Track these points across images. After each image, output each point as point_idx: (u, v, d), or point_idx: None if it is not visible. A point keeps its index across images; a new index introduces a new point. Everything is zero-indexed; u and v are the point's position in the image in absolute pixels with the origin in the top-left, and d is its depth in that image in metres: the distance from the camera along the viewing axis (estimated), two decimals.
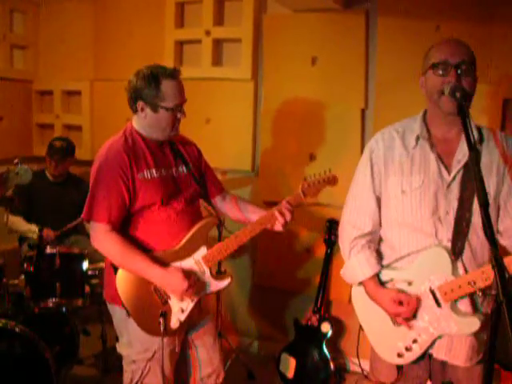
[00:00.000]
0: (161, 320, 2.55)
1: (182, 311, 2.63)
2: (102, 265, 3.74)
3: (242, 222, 2.87)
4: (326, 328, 3.88)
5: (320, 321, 3.90)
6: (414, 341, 2.19)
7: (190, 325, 2.77)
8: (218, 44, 4.36)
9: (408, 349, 2.21)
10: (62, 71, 4.97)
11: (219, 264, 3.75)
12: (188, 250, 2.64)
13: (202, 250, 2.65)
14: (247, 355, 4.32)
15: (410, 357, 2.22)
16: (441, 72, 2.03)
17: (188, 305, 2.63)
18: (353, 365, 4.11)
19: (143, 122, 2.60)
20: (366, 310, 2.30)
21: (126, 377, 2.76)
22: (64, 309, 3.71)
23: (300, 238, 4.23)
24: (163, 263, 2.57)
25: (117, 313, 2.71)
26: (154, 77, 2.50)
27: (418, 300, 2.15)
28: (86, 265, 3.74)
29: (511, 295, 1.45)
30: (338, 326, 4.07)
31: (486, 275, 1.98)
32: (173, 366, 2.76)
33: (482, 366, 2.21)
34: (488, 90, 3.44)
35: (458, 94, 1.93)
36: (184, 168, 2.73)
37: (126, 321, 2.65)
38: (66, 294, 3.64)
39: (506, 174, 2.11)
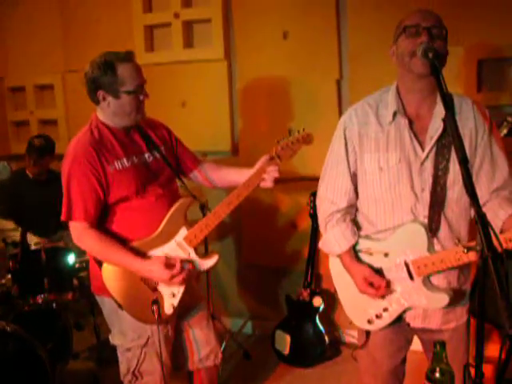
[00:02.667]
0: (154, 308, 2.54)
1: (174, 295, 2.61)
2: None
3: (229, 186, 2.86)
4: (318, 302, 3.90)
5: (311, 295, 3.92)
6: (385, 309, 2.22)
7: (183, 309, 2.75)
8: (188, 26, 4.30)
9: (378, 316, 2.24)
10: (33, 66, 4.88)
11: (206, 246, 3.72)
12: (168, 234, 2.62)
13: (183, 232, 2.62)
14: (242, 336, 4.33)
15: (379, 324, 2.26)
16: (413, 34, 2.01)
17: (178, 289, 2.61)
18: (348, 336, 4.13)
19: (107, 112, 2.55)
20: (342, 277, 2.32)
21: (123, 367, 2.75)
22: (54, 304, 3.68)
23: (285, 213, 4.23)
24: (144, 253, 2.57)
25: (106, 304, 2.70)
26: (108, 63, 2.46)
27: (389, 285, 2.17)
28: (72, 258, 3.71)
29: (496, 250, 1.45)
30: (330, 299, 4.08)
31: (458, 255, 2.00)
32: (169, 352, 2.75)
33: (464, 330, 2.24)
34: (463, 52, 3.44)
35: (430, 54, 1.91)
36: (155, 152, 2.69)
37: (116, 310, 2.64)
38: (55, 288, 3.61)
39: (478, 146, 2.11)
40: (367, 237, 2.26)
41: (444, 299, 2.10)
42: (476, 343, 1.57)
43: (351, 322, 2.38)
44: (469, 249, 1.79)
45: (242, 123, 4.21)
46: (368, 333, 2.33)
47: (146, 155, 2.66)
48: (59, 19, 4.72)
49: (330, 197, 2.28)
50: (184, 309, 2.77)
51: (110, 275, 2.59)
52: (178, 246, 2.62)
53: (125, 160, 2.55)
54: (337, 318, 4.18)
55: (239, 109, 4.22)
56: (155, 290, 2.61)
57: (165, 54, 4.29)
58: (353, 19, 3.78)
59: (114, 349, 2.79)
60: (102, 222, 2.59)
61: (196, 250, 2.64)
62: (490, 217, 1.99)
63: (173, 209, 2.64)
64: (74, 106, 4.75)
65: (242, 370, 3.97)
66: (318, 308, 3.88)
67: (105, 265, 2.58)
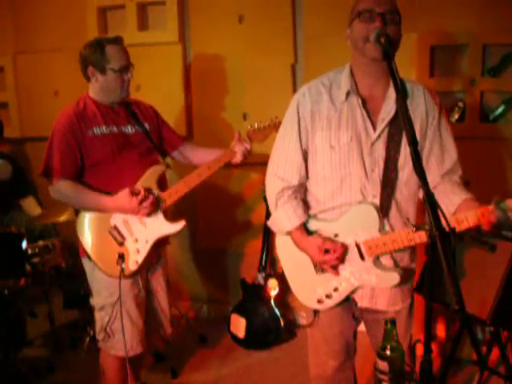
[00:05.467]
0: (119, 261, 2.74)
1: (138, 251, 2.81)
2: (42, 243, 3.71)
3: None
4: (273, 285, 3.93)
5: (266, 279, 3.94)
6: (335, 289, 2.25)
7: (147, 267, 2.98)
8: (142, 8, 4.26)
9: (328, 296, 2.27)
10: None
11: None
12: None
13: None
14: (198, 320, 4.34)
15: (329, 303, 2.28)
16: (366, 19, 2.02)
17: (144, 245, 2.81)
18: (303, 319, 4.17)
19: (96, 87, 2.84)
20: (290, 257, 2.34)
21: (97, 325, 2.94)
22: (6, 291, 3.62)
23: (240, 197, 4.24)
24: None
25: (86, 265, 2.91)
26: (98, 43, 2.76)
27: (345, 247, 2.19)
28: (24, 243, 3.64)
29: (444, 229, 1.48)
30: (285, 282, 4.09)
31: (410, 236, 2.03)
32: (141, 312, 2.93)
33: (408, 311, 2.31)
34: (417, 38, 3.48)
35: (382, 40, 1.93)
36: (137, 127, 2.91)
37: (93, 271, 2.86)
38: (6, 274, 3.54)
39: (427, 130, 2.15)
40: (315, 217, 2.27)
41: (394, 278, 2.13)
42: (425, 320, 1.60)
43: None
44: (418, 228, 1.83)
45: (197, 107, 4.18)
46: (316, 312, 2.34)
47: (129, 127, 2.90)
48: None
49: (281, 174, 2.27)
50: (150, 267, 3.01)
51: (82, 225, 2.82)
52: None
53: (104, 128, 2.81)
54: (292, 301, 4.22)
55: (194, 93, 4.19)
56: (122, 244, 2.81)
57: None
58: (308, 4, 3.80)
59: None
60: (80, 182, 2.82)
61: (165, 214, 2.86)
62: (442, 202, 2.05)
63: (146, 173, 2.85)
64: (25, 88, 4.65)
65: (197, 353, 3.97)
66: (274, 291, 3.91)
67: (78, 218, 2.82)
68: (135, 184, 2.81)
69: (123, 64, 2.78)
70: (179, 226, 2.89)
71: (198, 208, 4.34)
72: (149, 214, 2.80)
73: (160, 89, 4.17)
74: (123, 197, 2.73)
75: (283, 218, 2.26)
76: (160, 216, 2.85)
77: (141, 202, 2.73)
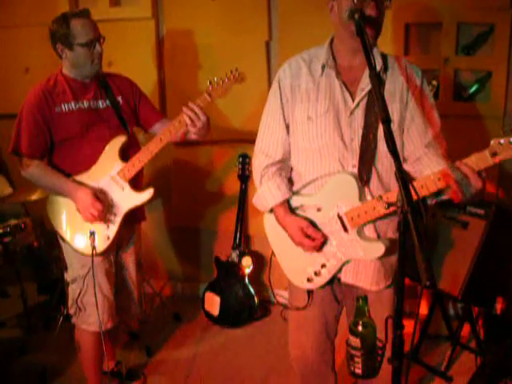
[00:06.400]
0: (90, 239, 2.75)
1: (108, 227, 2.81)
2: (13, 222, 3.67)
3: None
4: (247, 262, 3.94)
5: (240, 256, 3.95)
6: (323, 265, 2.24)
7: (119, 244, 2.99)
8: None
9: (317, 273, 2.26)
10: None
11: None
12: (103, 169, 2.82)
13: (117, 167, 2.82)
14: (172, 298, 4.33)
15: (319, 281, 2.27)
16: None
17: (114, 219, 2.81)
18: (277, 296, 4.18)
19: (66, 64, 2.79)
20: (278, 236, 2.32)
21: (69, 299, 2.95)
22: None
23: (214, 175, 4.22)
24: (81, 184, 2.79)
25: (61, 243, 2.92)
26: (63, 18, 2.69)
27: (325, 236, 2.19)
28: None
29: (414, 205, 1.48)
30: (260, 260, 4.13)
31: (388, 201, 2.01)
32: (111, 286, 2.94)
33: (391, 291, 2.30)
34: (391, 15, 3.47)
35: (356, 16, 1.93)
36: (108, 101, 2.87)
37: (66, 246, 2.88)
38: None
39: (408, 102, 2.14)
40: (298, 193, 2.27)
41: (380, 248, 2.11)
42: (396, 295, 1.61)
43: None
44: (389, 204, 1.83)
45: (170, 83, 4.14)
46: (309, 292, 2.33)
47: (100, 102, 2.86)
48: None
49: (265, 149, 2.28)
50: (120, 243, 2.99)
51: (53, 208, 2.86)
52: (113, 180, 2.82)
53: (72, 104, 2.77)
54: (266, 279, 4.23)
55: (166, 69, 4.14)
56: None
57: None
58: None
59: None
60: (49, 159, 2.85)
61: (131, 184, 2.83)
62: (428, 174, 2.04)
63: (108, 145, 2.82)
64: None
65: (172, 331, 3.97)
66: (248, 268, 3.92)
67: (48, 198, 2.87)
68: (98, 159, 2.80)
69: (90, 38, 2.71)
70: (147, 194, 2.85)
71: (172, 186, 4.31)
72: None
73: (132, 64, 4.09)
74: (86, 196, 2.71)
75: (267, 194, 2.26)
76: (127, 187, 2.82)
77: (97, 209, 2.71)
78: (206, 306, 4.03)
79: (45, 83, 2.78)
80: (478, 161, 1.86)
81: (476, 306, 3.17)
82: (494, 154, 1.83)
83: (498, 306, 3.19)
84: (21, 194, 3.83)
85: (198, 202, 4.28)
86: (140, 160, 2.79)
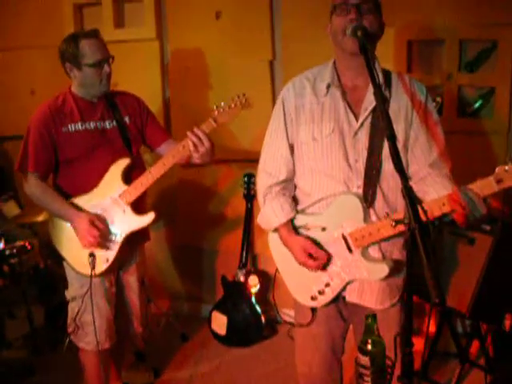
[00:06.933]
0: (90, 260, 2.75)
1: (108, 249, 2.79)
2: (20, 243, 3.68)
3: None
4: (254, 282, 3.93)
5: (247, 275, 3.94)
6: (327, 285, 2.24)
7: (121, 264, 2.99)
8: (118, 5, 4.21)
9: (321, 292, 2.26)
10: None
11: None
12: (105, 191, 2.81)
13: (119, 189, 2.80)
14: (179, 318, 4.31)
15: (323, 300, 2.27)
16: (342, 12, 2.02)
17: (115, 244, 2.80)
18: (284, 315, 4.16)
19: (75, 83, 2.82)
20: (282, 254, 2.31)
21: (69, 317, 2.95)
22: None
23: (219, 195, 4.22)
24: (80, 207, 2.80)
25: (63, 261, 2.92)
26: (73, 38, 2.72)
27: (329, 256, 2.19)
28: (1, 244, 3.61)
29: (422, 222, 1.48)
30: (266, 279, 4.12)
31: (394, 227, 2.01)
32: (111, 306, 2.95)
33: (398, 309, 2.28)
34: (393, 32, 3.48)
35: (359, 33, 1.94)
36: (115, 121, 2.88)
37: (67, 266, 2.89)
38: None
39: (413, 120, 2.14)
40: (303, 212, 2.27)
41: (384, 269, 2.10)
42: (404, 313, 1.61)
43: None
44: (397, 222, 1.83)
45: (175, 103, 4.16)
46: (314, 310, 2.33)
47: (107, 122, 2.87)
48: None
49: (269, 169, 2.29)
50: (122, 263, 3.00)
51: (54, 229, 2.88)
52: (114, 203, 2.81)
53: (79, 124, 2.79)
54: (272, 298, 4.21)
55: (172, 89, 4.17)
56: None
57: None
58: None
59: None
60: (54, 178, 2.88)
61: (133, 207, 2.81)
62: (430, 195, 2.04)
63: (111, 168, 2.81)
64: (1, 86, 4.56)
65: (179, 351, 3.95)
66: (254, 288, 3.91)
67: (50, 219, 2.91)
68: (100, 182, 2.80)
69: (98, 58, 2.72)
70: (148, 218, 2.83)
71: (178, 205, 4.32)
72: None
73: (138, 86, 4.08)
74: (83, 223, 2.72)
75: (270, 214, 2.27)
76: (128, 210, 2.80)
77: (93, 236, 2.71)
78: (213, 326, 4.01)
79: (53, 101, 2.80)
80: (483, 187, 1.87)
81: (484, 322, 3.15)
82: (499, 181, 1.83)
83: (507, 323, 3.16)
84: (28, 215, 3.85)
85: (203, 222, 4.28)
86: (142, 184, 2.78)
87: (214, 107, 2.71)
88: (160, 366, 3.70)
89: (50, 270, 3.98)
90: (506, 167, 1.80)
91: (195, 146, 2.64)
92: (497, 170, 1.83)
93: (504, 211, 3.46)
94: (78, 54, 2.69)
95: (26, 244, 3.77)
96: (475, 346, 3.31)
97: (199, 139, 2.64)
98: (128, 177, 2.84)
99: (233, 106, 2.69)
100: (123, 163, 2.82)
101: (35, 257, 3.82)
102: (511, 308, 2.92)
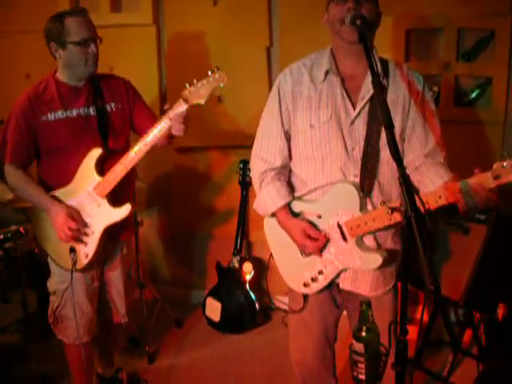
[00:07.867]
0: (71, 255, 2.70)
1: (87, 244, 2.72)
2: (14, 228, 3.66)
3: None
4: (248, 269, 3.93)
5: (241, 262, 3.94)
6: (320, 272, 2.25)
7: (105, 258, 2.92)
8: None
9: (314, 279, 2.27)
10: None
11: (135, 214, 3.63)
12: (81, 184, 2.72)
13: (93, 182, 2.70)
14: (173, 304, 4.31)
15: (315, 287, 2.28)
16: (340, 1, 2.01)
17: (92, 237, 2.71)
18: (278, 302, 4.18)
19: (60, 65, 2.69)
20: (277, 239, 2.33)
21: (49, 308, 2.91)
22: None
23: (215, 181, 4.22)
24: (60, 201, 2.72)
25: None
26: (58, 16, 2.60)
27: (327, 238, 2.19)
28: None
29: (419, 210, 1.48)
30: (261, 266, 4.12)
31: (390, 215, 2.01)
32: (93, 304, 2.89)
33: (391, 296, 2.31)
34: (392, 22, 3.48)
35: (358, 22, 1.93)
36: (100, 107, 2.74)
37: (50, 259, 2.85)
38: None
39: (410, 109, 2.14)
40: (300, 198, 2.27)
41: (377, 259, 2.11)
42: (400, 300, 1.61)
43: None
44: (393, 209, 1.83)
45: (171, 89, 4.13)
46: (305, 296, 2.34)
47: (91, 109, 2.74)
48: None
49: (264, 155, 2.28)
50: (106, 258, 2.93)
51: (36, 221, 2.85)
52: (89, 197, 2.71)
53: (60, 112, 2.67)
54: (267, 285, 4.21)
55: (168, 75, 4.15)
56: None
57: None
58: None
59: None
60: (38, 168, 2.80)
61: (109, 199, 2.70)
62: (424, 183, 2.05)
63: (84, 159, 2.70)
64: None
65: (173, 337, 3.96)
66: (249, 274, 3.91)
67: (32, 211, 2.84)
68: (76, 174, 2.70)
69: (84, 36, 2.58)
70: (124, 210, 2.70)
71: (173, 192, 4.31)
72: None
73: (134, 70, 4.06)
74: (59, 214, 2.64)
75: (266, 199, 2.27)
76: (103, 203, 2.69)
77: (69, 228, 2.64)
78: (207, 312, 4.02)
79: (34, 89, 2.69)
80: (480, 182, 1.86)
81: (478, 311, 3.16)
82: (496, 177, 1.82)
83: (500, 312, 3.18)
84: (22, 200, 3.82)
85: (198, 208, 4.28)
86: (115, 175, 2.66)
87: (187, 85, 2.59)
88: (154, 351, 3.71)
89: (44, 256, 3.97)
90: (504, 163, 1.80)
91: (170, 128, 2.61)
92: (494, 165, 1.82)
93: (498, 202, 3.46)
94: (63, 31, 2.57)
95: (21, 229, 3.75)
96: (468, 334, 3.33)
97: (173, 122, 2.60)
98: (102, 168, 2.72)
99: (205, 82, 2.57)
100: (95, 154, 2.69)
101: (29, 242, 3.81)
102: (504, 297, 2.93)
